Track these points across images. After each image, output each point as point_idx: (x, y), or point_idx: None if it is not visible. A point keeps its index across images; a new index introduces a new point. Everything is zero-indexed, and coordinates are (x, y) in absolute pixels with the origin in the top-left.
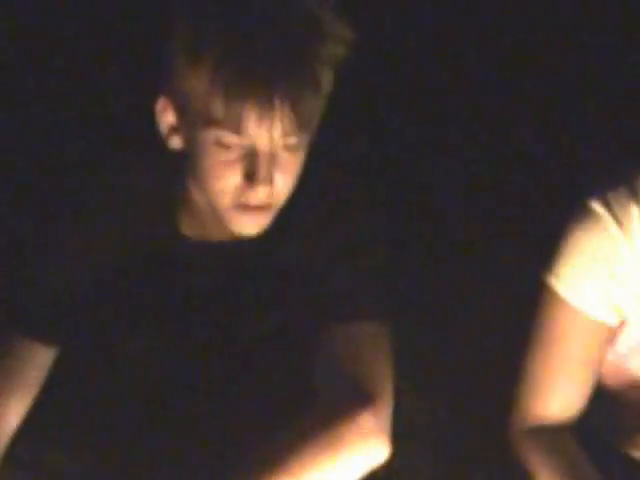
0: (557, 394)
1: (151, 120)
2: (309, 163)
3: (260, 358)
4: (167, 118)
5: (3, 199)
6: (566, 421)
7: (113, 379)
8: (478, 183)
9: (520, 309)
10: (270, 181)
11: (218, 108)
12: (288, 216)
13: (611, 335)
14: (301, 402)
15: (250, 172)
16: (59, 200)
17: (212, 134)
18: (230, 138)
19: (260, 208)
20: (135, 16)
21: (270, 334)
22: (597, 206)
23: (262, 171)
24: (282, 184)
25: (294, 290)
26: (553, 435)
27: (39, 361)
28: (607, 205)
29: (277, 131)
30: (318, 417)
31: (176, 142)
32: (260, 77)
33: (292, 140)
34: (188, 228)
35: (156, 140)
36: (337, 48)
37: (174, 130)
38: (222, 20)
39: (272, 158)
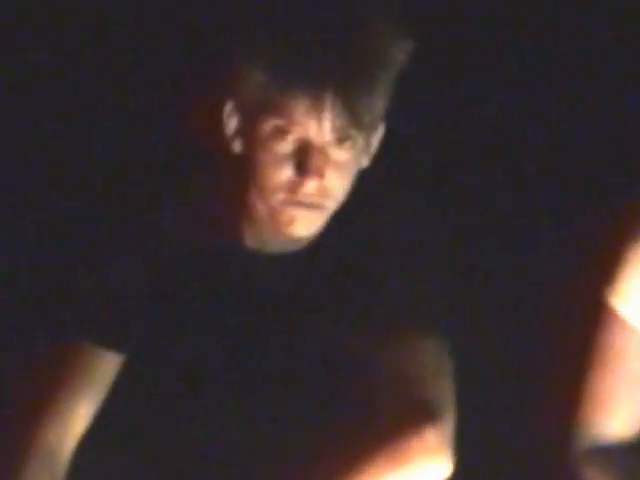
0: (619, 412)
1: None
2: (369, 174)
3: (319, 371)
4: (232, 122)
5: (69, 202)
6: (628, 438)
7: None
8: (513, 194)
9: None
10: (320, 175)
11: (273, 98)
12: (348, 228)
13: None
14: (360, 415)
15: (301, 164)
16: (122, 207)
17: (267, 125)
18: (285, 127)
19: (311, 206)
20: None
21: (330, 346)
22: None
23: (312, 163)
24: (333, 182)
25: (354, 304)
26: (615, 453)
27: (106, 368)
28: None
29: (327, 123)
30: (383, 430)
31: (238, 145)
32: (313, 65)
33: (344, 135)
34: (249, 240)
35: (217, 151)
36: (394, 50)
37: (237, 133)
38: (276, 21)
39: (323, 152)
